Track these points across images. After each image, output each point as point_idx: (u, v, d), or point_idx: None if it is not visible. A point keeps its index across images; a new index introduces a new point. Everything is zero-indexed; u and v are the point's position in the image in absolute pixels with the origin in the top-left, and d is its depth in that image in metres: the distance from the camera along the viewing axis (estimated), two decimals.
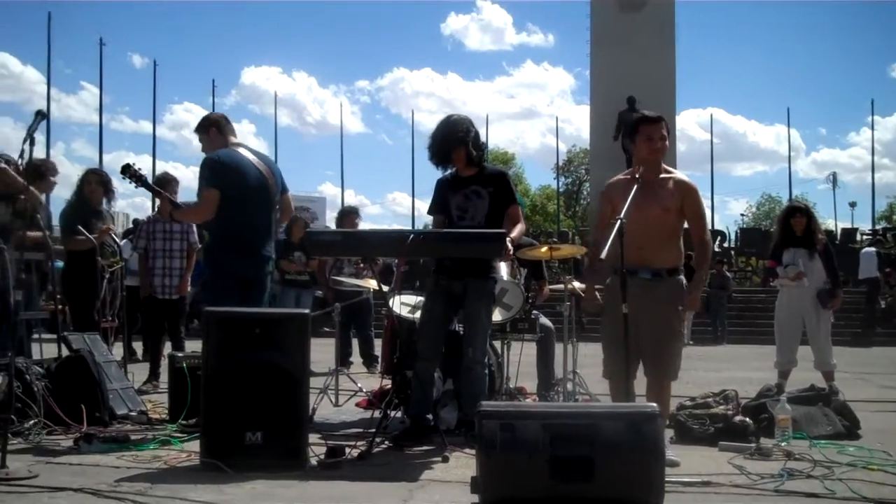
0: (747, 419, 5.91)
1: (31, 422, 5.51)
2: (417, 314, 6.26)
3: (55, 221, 8.39)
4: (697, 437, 5.74)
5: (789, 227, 8.42)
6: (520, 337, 6.98)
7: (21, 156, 5.16)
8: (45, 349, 7.18)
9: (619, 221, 4.76)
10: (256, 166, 6.15)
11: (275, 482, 4.34)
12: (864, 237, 29.14)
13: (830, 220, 41.00)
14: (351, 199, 52.57)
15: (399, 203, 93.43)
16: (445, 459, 4.97)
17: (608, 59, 25.13)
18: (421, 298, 6.49)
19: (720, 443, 5.55)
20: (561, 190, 56.33)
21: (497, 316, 6.50)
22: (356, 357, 10.90)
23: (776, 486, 4.36)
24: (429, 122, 71.21)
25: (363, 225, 12.01)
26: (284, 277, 11.31)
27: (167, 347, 8.65)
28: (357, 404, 7.37)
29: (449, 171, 5.94)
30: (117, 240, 8.53)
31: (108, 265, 8.13)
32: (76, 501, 3.99)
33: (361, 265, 9.95)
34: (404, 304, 6.83)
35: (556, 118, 63.48)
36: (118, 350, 8.77)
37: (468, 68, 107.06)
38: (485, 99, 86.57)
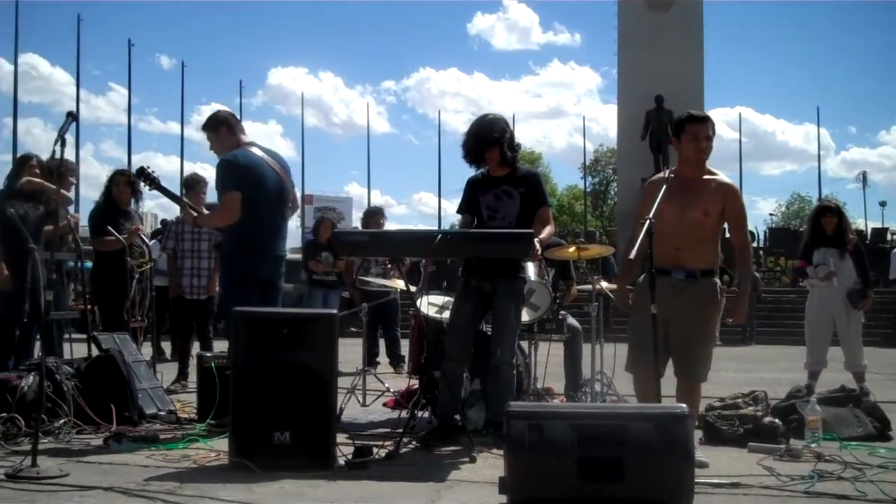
0: (777, 420, 5.87)
1: (62, 421, 5.54)
2: (445, 314, 6.26)
3: (83, 222, 8.45)
4: (726, 439, 5.70)
5: (820, 227, 8.36)
6: (547, 337, 6.97)
7: (52, 157, 5.20)
8: (75, 349, 7.23)
9: (647, 221, 4.73)
10: (272, 166, 6.17)
11: (303, 482, 4.35)
12: (895, 237, 28.86)
13: (860, 220, 40.58)
14: (377, 199, 52.50)
15: (425, 203, 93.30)
16: (473, 460, 4.96)
17: (636, 58, 25.01)
18: (448, 299, 6.49)
19: (749, 444, 5.51)
20: (588, 190, 56.14)
21: (525, 316, 6.47)
22: (383, 357, 10.92)
23: (806, 488, 4.32)
24: (455, 122, 71.18)
25: (389, 225, 12.04)
26: (312, 278, 11.35)
27: (195, 347, 8.70)
28: (384, 404, 7.38)
29: (479, 171, 5.93)
30: (146, 240, 8.59)
31: (138, 265, 8.18)
32: (106, 500, 4.02)
33: (388, 265, 9.96)
34: (432, 305, 6.82)
35: (583, 117, 63.52)
36: (147, 350, 8.83)
37: (494, 68, 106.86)
38: (511, 98, 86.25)
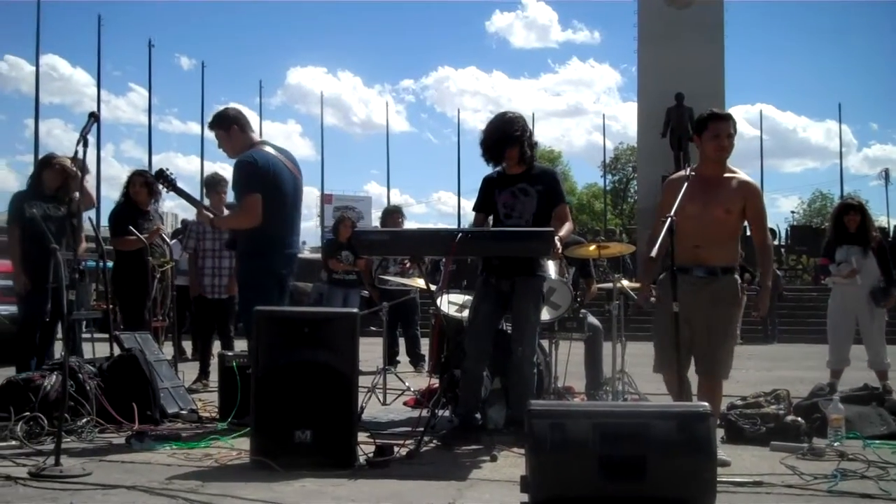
0: (799, 419, 5.84)
1: (84, 420, 5.57)
2: (465, 313, 6.25)
3: (104, 222, 8.52)
4: (749, 437, 5.67)
5: (842, 225, 8.31)
6: (568, 336, 6.94)
7: (75, 157, 5.22)
8: (98, 348, 7.26)
9: (668, 219, 4.73)
10: (287, 166, 6.18)
11: (324, 480, 4.36)
12: None
13: (883, 217, 40.30)
14: (396, 198, 52.66)
15: (444, 202, 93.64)
16: (494, 458, 4.96)
17: (656, 56, 24.97)
18: (468, 297, 6.48)
19: (772, 443, 5.48)
20: (608, 188, 56.01)
21: (545, 315, 6.46)
22: (403, 356, 10.93)
23: (829, 487, 4.29)
24: (474, 121, 71.39)
25: (408, 224, 12.03)
26: (332, 277, 11.37)
27: (216, 346, 8.73)
28: (405, 403, 7.39)
29: (495, 170, 5.92)
30: (167, 239, 8.62)
31: (159, 265, 8.22)
32: (129, 499, 4.03)
33: (407, 264, 9.97)
34: (452, 303, 6.82)
35: (603, 115, 63.54)
36: (168, 349, 8.87)
37: (513, 66, 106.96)
38: (530, 97, 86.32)
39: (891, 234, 27.56)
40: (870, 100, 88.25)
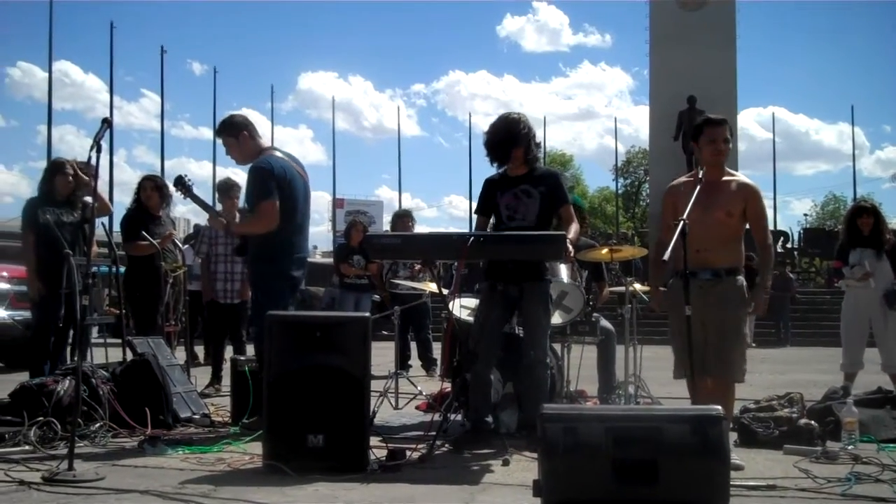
0: (813, 422, 5.80)
1: (97, 425, 5.59)
2: None
3: (116, 227, 8.55)
4: (762, 441, 5.65)
5: (856, 227, 8.29)
6: (580, 339, 6.93)
7: (88, 162, 5.24)
8: (111, 353, 7.28)
9: (681, 222, 4.75)
10: (298, 172, 6.20)
11: (336, 484, 4.36)
12: None
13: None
14: (408, 202, 52.75)
15: (456, 206, 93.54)
16: (506, 462, 4.95)
17: (668, 58, 24.89)
18: None
19: (785, 446, 5.46)
20: (619, 191, 55.94)
21: (558, 318, 6.46)
22: (415, 360, 10.93)
23: (843, 490, 4.27)
24: (485, 125, 70.69)
25: (419, 228, 12.05)
26: (343, 281, 11.39)
27: (229, 351, 8.74)
28: (417, 407, 7.39)
29: (497, 172, 5.91)
30: (180, 245, 8.64)
31: (171, 270, 8.25)
32: (142, 503, 4.04)
33: (418, 268, 9.97)
34: (464, 307, 6.82)
35: (615, 119, 63.49)
36: (181, 354, 8.89)
37: (525, 70, 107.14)
38: (542, 100, 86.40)
39: None
40: (882, 102, 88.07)
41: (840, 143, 79.42)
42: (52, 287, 6.98)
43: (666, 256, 4.81)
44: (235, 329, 8.99)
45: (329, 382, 4.73)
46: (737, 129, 25.77)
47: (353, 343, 4.84)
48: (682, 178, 5.55)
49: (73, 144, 72.04)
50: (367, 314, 5.47)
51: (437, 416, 5.76)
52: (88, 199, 6.91)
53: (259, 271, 6.18)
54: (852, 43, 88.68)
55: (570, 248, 5.41)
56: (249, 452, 5.10)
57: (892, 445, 5.56)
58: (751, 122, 67.84)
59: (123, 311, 7.85)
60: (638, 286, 7.45)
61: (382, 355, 9.19)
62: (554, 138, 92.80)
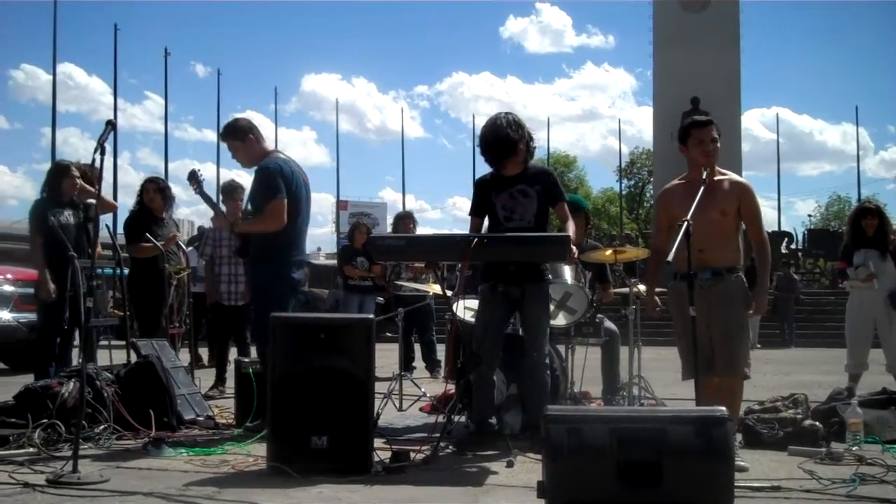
0: (817, 423, 5.80)
1: (102, 427, 5.60)
2: None
3: (120, 229, 8.55)
4: (766, 442, 5.64)
5: (860, 228, 8.29)
6: (584, 341, 6.92)
7: (92, 164, 5.25)
8: (115, 355, 7.29)
9: (685, 223, 4.76)
10: (301, 175, 6.23)
11: (340, 486, 4.36)
12: None
13: None
14: (411, 204, 52.86)
15: (459, 207, 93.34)
16: (510, 464, 4.95)
17: (671, 59, 24.93)
18: None
19: (790, 447, 5.45)
20: (623, 192, 55.89)
21: (562, 320, 6.46)
22: (419, 362, 10.92)
23: (848, 492, 4.26)
24: None
25: (422, 229, 12.05)
26: (347, 283, 11.39)
27: (233, 353, 8.75)
28: (421, 409, 7.38)
29: (488, 172, 5.90)
30: (184, 247, 8.65)
31: (175, 272, 8.25)
32: None
33: (419, 267, 9.95)
34: (468, 309, 6.81)
35: (618, 120, 63.06)
36: (185, 356, 8.90)
37: (528, 71, 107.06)
38: (545, 101, 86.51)
39: None
40: (887, 102, 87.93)
41: (844, 143, 79.46)
42: (58, 289, 7.00)
43: (670, 257, 4.81)
44: (239, 331, 8.98)
45: (333, 384, 4.74)
46: (740, 130, 25.81)
47: (357, 345, 4.85)
48: (675, 182, 5.58)
49: (77, 146, 72.30)
50: (371, 316, 5.46)
51: (440, 418, 5.76)
52: (91, 200, 6.91)
53: (261, 271, 6.19)
54: (856, 43, 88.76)
55: (574, 249, 5.40)
56: (253, 454, 5.10)
57: None
58: (755, 123, 67.87)
59: (127, 313, 7.87)
60: (642, 287, 7.43)
61: (386, 357, 9.19)
62: (557, 139, 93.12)
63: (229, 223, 6.50)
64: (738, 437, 5.57)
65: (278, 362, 4.83)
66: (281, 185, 5.97)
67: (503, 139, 5.65)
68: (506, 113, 5.81)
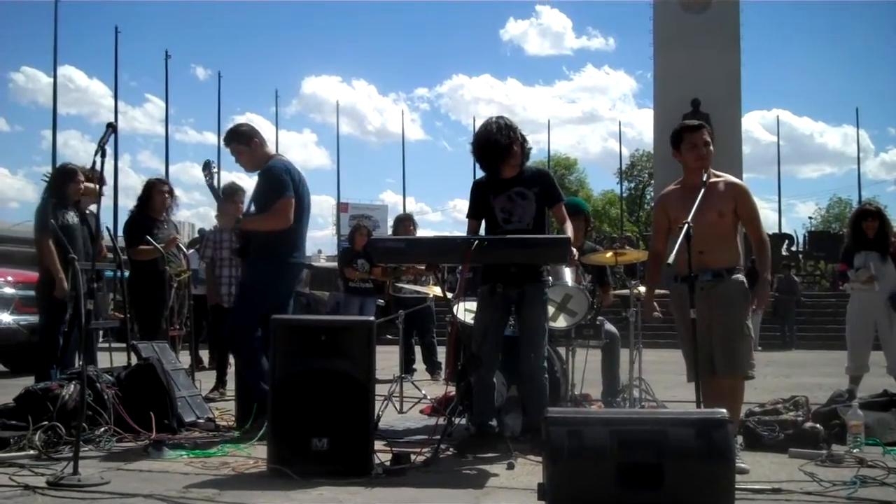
0: (818, 425, 5.80)
1: (102, 429, 5.59)
2: None
3: (121, 232, 8.55)
4: (767, 444, 5.64)
5: (861, 231, 8.29)
6: (585, 343, 6.92)
7: (93, 167, 5.25)
8: (115, 358, 7.29)
9: (686, 226, 4.78)
10: (303, 179, 6.28)
11: (341, 488, 4.36)
12: None
13: None
14: (412, 206, 52.83)
15: (460, 210, 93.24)
16: (511, 466, 4.95)
17: (672, 61, 24.92)
18: None
19: (790, 449, 5.45)
20: (624, 195, 55.85)
21: (563, 322, 6.46)
22: (419, 364, 10.92)
23: (849, 494, 4.26)
24: None
25: (423, 232, 12.05)
26: (348, 285, 11.40)
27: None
28: (421, 411, 7.38)
29: (484, 175, 5.90)
30: (184, 249, 8.65)
31: (175, 275, 8.25)
32: None
33: (419, 269, 9.95)
34: (468, 311, 6.81)
35: (619, 122, 62.83)
36: (185, 358, 8.89)
37: (528, 73, 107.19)
38: (545, 104, 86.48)
39: None
40: (887, 104, 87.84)
41: (845, 145, 79.45)
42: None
43: (671, 260, 4.83)
44: None
45: (333, 386, 4.74)
46: (741, 133, 25.79)
47: (357, 347, 4.85)
48: (672, 186, 5.61)
49: (78, 149, 72.20)
50: (372, 318, 5.46)
51: (441, 420, 5.76)
52: (93, 207, 6.93)
53: (260, 270, 6.19)
54: (857, 45, 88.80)
55: (574, 251, 5.41)
56: (254, 457, 5.10)
57: None
58: (755, 125, 67.81)
59: (128, 315, 7.87)
60: (642, 289, 7.43)
61: (387, 359, 9.18)
62: (558, 142, 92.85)
63: (234, 219, 6.52)
64: (739, 439, 5.56)
65: (279, 364, 4.83)
66: (289, 184, 6.04)
67: (494, 143, 5.63)
68: (497, 117, 5.78)
